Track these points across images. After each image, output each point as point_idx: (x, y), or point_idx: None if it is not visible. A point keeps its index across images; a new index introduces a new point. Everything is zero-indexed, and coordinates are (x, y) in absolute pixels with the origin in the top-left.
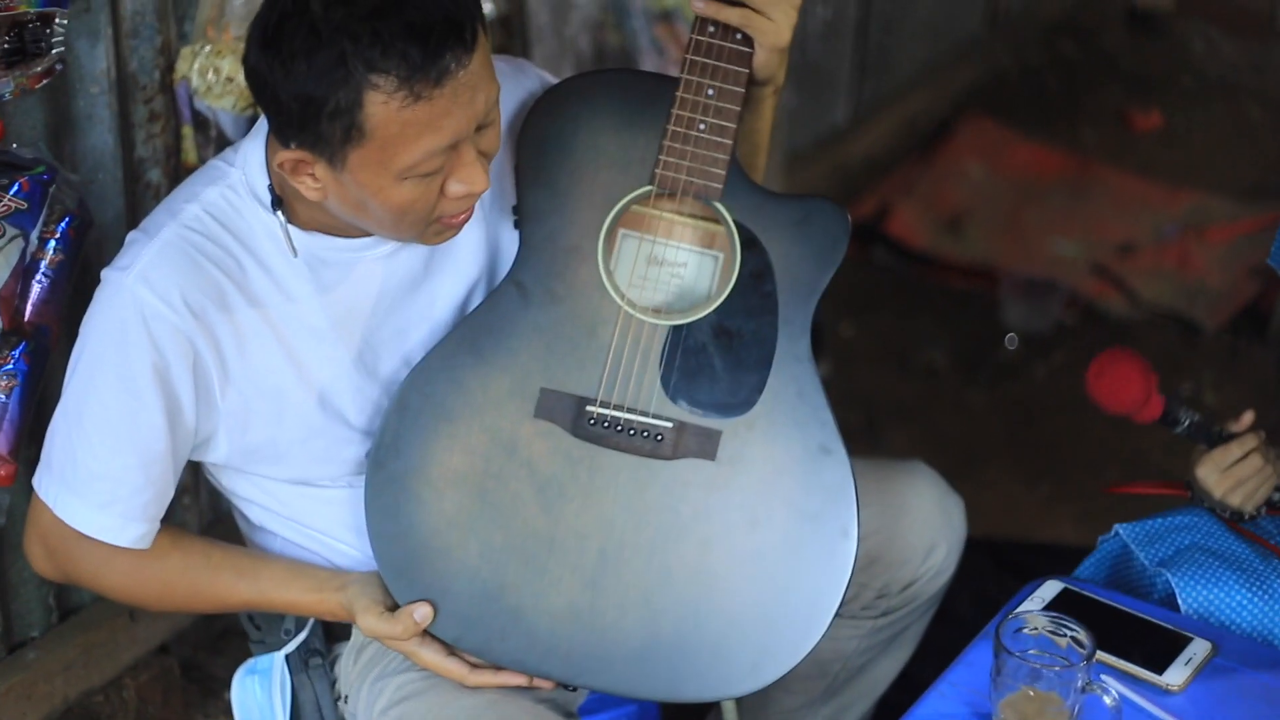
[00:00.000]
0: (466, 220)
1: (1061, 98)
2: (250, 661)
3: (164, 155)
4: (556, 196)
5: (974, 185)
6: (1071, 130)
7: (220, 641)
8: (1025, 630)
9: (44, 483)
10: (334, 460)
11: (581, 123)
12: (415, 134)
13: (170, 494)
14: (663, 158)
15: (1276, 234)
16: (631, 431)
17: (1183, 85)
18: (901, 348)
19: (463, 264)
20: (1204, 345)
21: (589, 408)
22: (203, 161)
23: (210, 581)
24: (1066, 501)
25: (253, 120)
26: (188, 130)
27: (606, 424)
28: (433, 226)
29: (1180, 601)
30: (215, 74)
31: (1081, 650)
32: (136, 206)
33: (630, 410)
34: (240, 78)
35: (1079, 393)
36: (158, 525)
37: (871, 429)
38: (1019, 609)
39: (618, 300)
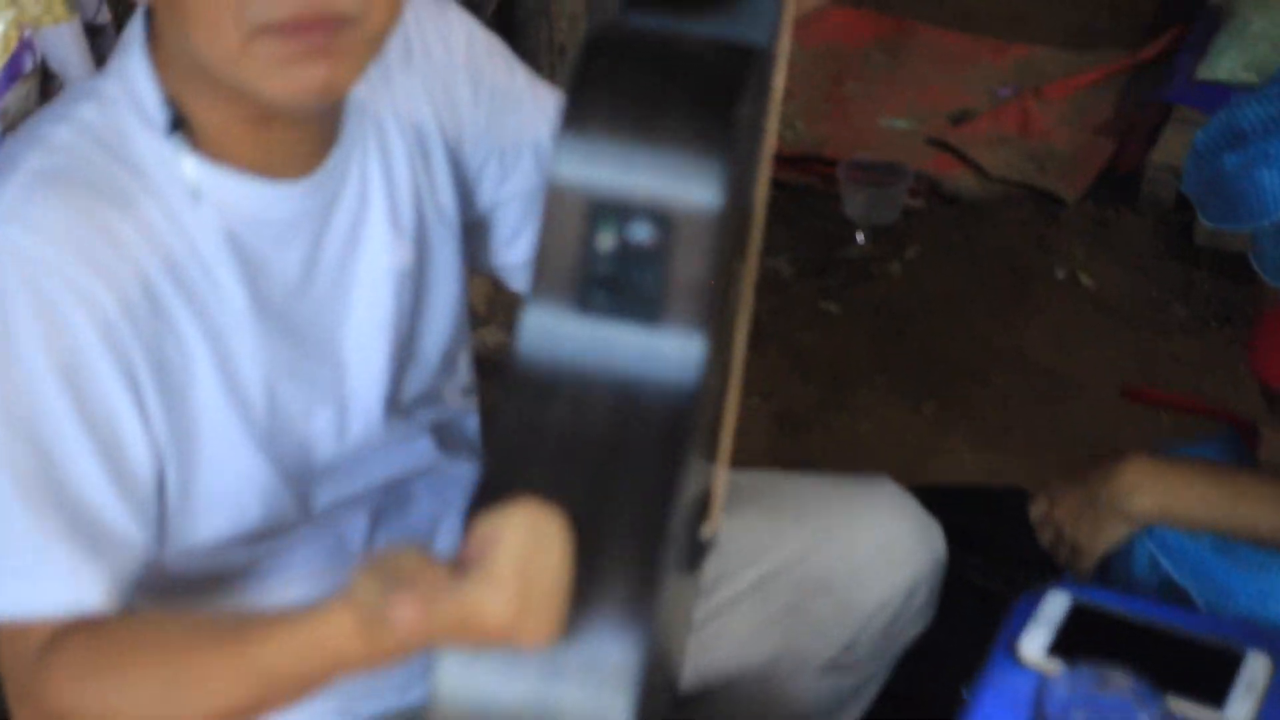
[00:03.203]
0: (303, 54)
1: None
2: None
3: None
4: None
5: (787, 64)
6: None
7: None
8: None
9: None
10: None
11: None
12: None
13: (132, 538)
14: None
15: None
16: None
17: None
18: None
19: (396, 237)
20: (1067, 218)
21: None
22: None
23: (186, 646)
24: (957, 421)
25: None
26: None
27: None
28: (261, 43)
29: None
30: None
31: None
32: None
33: None
34: None
35: (943, 288)
36: (121, 585)
37: None
38: (1027, 635)
39: None
